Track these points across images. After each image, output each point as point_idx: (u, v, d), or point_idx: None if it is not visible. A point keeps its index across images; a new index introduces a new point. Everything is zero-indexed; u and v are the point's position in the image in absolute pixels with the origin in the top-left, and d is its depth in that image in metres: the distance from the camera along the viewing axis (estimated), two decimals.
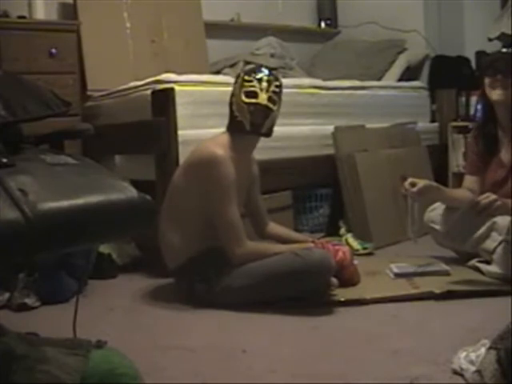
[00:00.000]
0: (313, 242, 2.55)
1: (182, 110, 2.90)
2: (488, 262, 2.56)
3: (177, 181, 2.46)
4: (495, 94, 2.65)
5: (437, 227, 2.79)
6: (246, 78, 2.42)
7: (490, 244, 2.56)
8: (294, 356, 1.84)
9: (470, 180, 2.82)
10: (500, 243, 2.51)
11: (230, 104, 2.45)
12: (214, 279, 2.33)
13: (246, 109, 2.39)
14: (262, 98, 2.39)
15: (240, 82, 2.42)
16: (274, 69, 3.66)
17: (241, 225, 2.35)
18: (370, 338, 1.96)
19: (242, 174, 2.43)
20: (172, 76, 3.03)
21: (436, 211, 2.83)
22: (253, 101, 2.39)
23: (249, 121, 2.40)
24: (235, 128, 2.44)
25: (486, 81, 2.68)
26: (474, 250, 2.64)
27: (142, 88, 3.12)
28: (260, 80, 2.41)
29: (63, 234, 1.03)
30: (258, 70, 2.47)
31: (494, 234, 2.56)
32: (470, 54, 4.33)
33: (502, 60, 2.65)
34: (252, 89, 2.40)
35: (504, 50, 2.75)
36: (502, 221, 2.55)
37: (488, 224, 2.57)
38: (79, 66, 3.41)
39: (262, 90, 2.40)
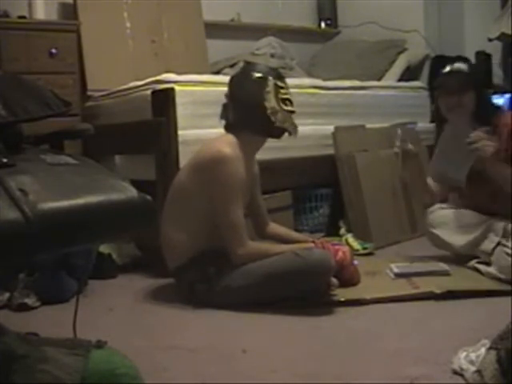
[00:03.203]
0: (313, 242, 2.55)
1: (181, 110, 2.90)
2: (487, 263, 2.56)
3: (181, 181, 2.46)
4: (452, 116, 2.65)
5: (435, 231, 2.79)
6: (279, 83, 2.46)
7: (487, 245, 2.56)
8: (294, 356, 1.84)
9: None
10: (498, 244, 2.51)
11: (260, 108, 2.41)
12: (215, 279, 2.33)
13: (289, 116, 2.45)
14: (293, 105, 2.49)
15: (273, 87, 2.43)
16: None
17: (243, 225, 2.35)
18: (370, 338, 1.96)
19: (247, 175, 2.43)
20: (172, 76, 3.03)
21: (436, 213, 2.83)
22: (290, 109, 2.46)
23: (294, 127, 2.47)
24: (270, 133, 2.47)
25: (441, 104, 2.68)
26: (472, 252, 2.64)
27: (142, 88, 3.12)
28: (287, 86, 2.49)
29: (63, 234, 1.03)
30: (281, 74, 2.53)
31: (491, 235, 2.56)
32: (470, 54, 4.32)
33: (448, 79, 2.65)
34: (287, 96, 2.47)
35: (447, 69, 2.72)
36: (498, 222, 2.56)
37: (484, 226, 2.58)
38: (79, 66, 3.41)
39: (291, 96, 2.49)
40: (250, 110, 2.43)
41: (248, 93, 2.43)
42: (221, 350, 1.90)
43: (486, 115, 2.60)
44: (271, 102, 2.42)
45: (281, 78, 2.49)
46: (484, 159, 2.46)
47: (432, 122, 4.34)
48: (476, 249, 2.61)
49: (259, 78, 2.45)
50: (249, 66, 2.67)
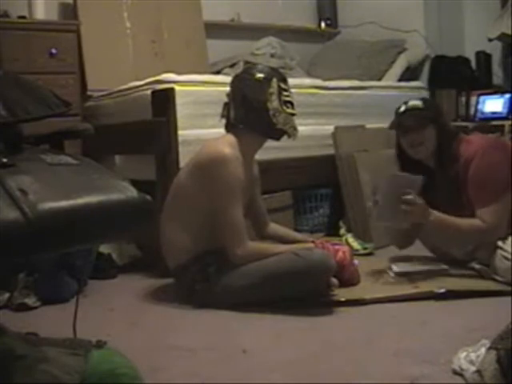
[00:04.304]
0: (313, 242, 2.55)
1: (182, 110, 2.90)
2: (487, 265, 2.55)
3: (182, 181, 2.46)
4: (416, 153, 2.62)
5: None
6: (283, 86, 2.46)
7: (486, 248, 2.55)
8: (294, 356, 1.84)
9: None
10: (496, 248, 2.50)
11: (263, 108, 2.42)
12: (215, 279, 2.33)
13: (290, 119, 2.45)
14: (294, 108, 2.49)
15: (276, 89, 2.43)
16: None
17: (243, 225, 2.35)
18: (370, 338, 1.96)
19: (246, 175, 2.43)
20: (172, 76, 3.03)
21: None
22: (292, 111, 2.47)
23: (294, 130, 2.47)
24: (271, 134, 2.48)
25: (403, 142, 2.65)
26: (471, 256, 2.63)
27: (142, 88, 3.13)
28: (289, 89, 2.49)
29: (63, 234, 1.03)
30: (284, 76, 2.52)
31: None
32: (470, 54, 4.33)
33: (406, 118, 2.60)
34: (289, 98, 2.47)
35: (402, 108, 2.65)
36: None
37: None
38: (79, 66, 3.41)
39: (293, 98, 2.49)
40: (252, 110, 2.43)
41: (251, 93, 2.43)
42: (221, 350, 1.90)
43: (448, 145, 2.59)
44: (274, 104, 2.42)
45: (284, 80, 2.50)
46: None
47: None
48: (474, 253, 2.60)
49: (263, 78, 2.45)
50: (252, 67, 2.66)
